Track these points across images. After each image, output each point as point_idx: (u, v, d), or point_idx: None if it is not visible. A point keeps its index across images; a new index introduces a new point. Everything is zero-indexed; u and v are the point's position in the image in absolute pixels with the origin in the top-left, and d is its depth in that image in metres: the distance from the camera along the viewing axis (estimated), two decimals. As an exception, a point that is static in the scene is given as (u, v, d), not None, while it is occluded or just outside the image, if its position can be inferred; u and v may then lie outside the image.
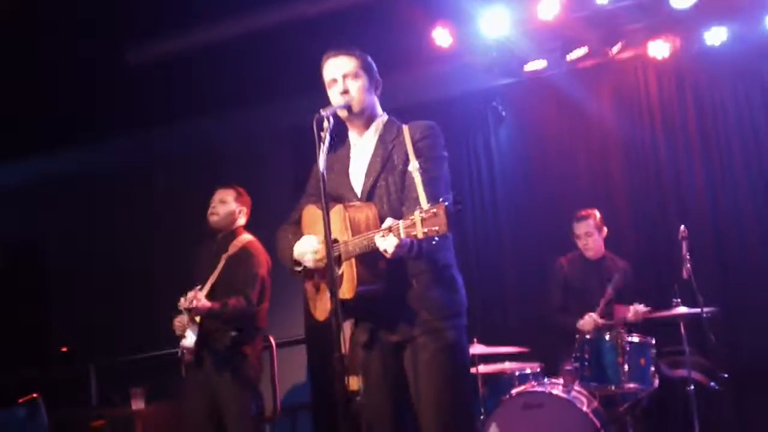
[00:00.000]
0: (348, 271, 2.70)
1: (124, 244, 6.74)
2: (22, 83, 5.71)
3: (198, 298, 4.15)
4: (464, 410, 2.84)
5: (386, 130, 2.92)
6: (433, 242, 2.45)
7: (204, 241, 4.63)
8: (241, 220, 4.55)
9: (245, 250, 4.43)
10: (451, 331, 2.80)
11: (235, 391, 4.28)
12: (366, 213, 2.75)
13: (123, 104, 6.05)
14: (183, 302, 4.21)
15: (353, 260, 2.67)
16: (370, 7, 5.27)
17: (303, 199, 3.07)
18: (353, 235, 2.67)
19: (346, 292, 2.69)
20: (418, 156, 2.69)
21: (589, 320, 4.68)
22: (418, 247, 2.58)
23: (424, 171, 2.58)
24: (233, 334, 4.31)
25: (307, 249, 2.82)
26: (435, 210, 2.36)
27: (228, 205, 4.49)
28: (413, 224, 2.40)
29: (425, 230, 2.37)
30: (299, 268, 2.89)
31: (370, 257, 2.65)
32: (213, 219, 4.50)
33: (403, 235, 2.44)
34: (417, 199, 2.51)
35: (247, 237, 4.52)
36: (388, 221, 2.50)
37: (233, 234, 4.51)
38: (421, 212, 2.39)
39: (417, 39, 5.54)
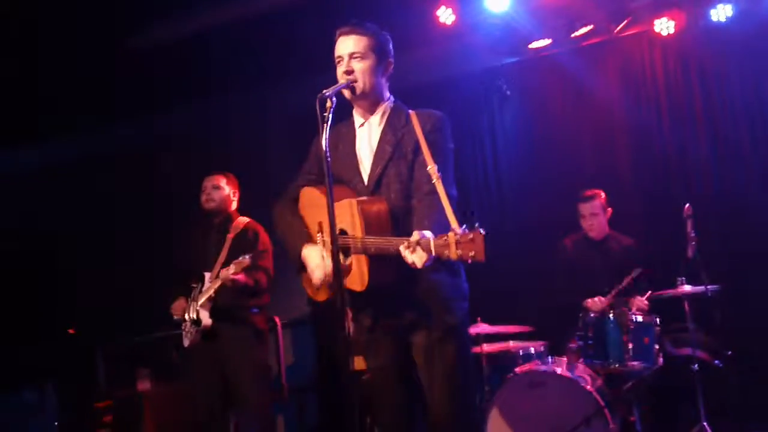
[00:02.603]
0: (358, 266, 2.69)
1: (127, 226, 6.75)
2: (21, 71, 5.69)
3: (237, 270, 4.27)
4: (469, 392, 2.89)
5: (394, 116, 2.89)
6: (468, 263, 2.42)
7: (198, 225, 4.73)
8: (234, 203, 4.72)
9: (249, 229, 4.60)
10: (456, 315, 2.83)
11: (252, 365, 4.43)
12: (378, 207, 2.74)
13: (122, 90, 6.03)
14: (220, 274, 4.32)
15: (364, 256, 2.67)
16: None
17: (301, 177, 3.04)
18: (364, 230, 2.66)
19: (356, 285, 2.70)
20: (430, 147, 2.70)
21: (598, 302, 4.69)
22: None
23: (442, 177, 2.59)
24: (253, 310, 4.49)
25: (315, 264, 2.79)
26: (471, 236, 2.35)
27: (222, 190, 4.65)
28: (446, 245, 2.38)
29: (460, 253, 2.36)
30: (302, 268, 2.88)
31: (382, 257, 2.64)
32: (210, 205, 4.64)
33: (434, 253, 2.42)
34: (428, 184, 2.50)
35: (244, 219, 4.67)
36: (416, 235, 2.47)
37: (231, 217, 4.66)
38: (456, 236, 2.37)
39: (421, 18, 5.51)
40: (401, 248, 2.50)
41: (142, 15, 5.48)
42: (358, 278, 2.70)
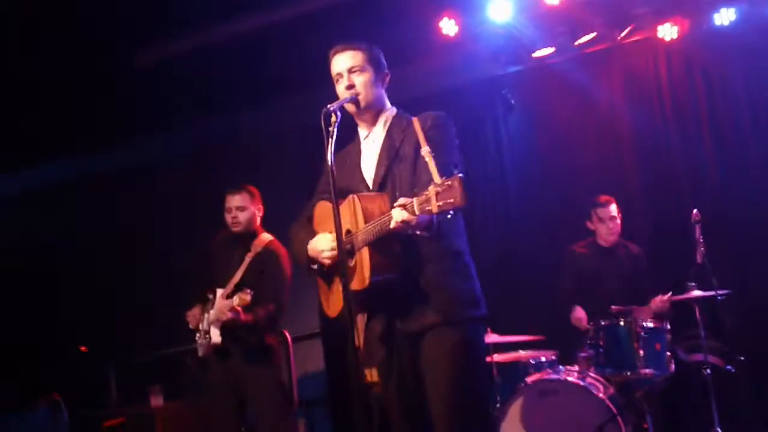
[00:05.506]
0: (361, 262, 2.68)
1: (140, 242, 6.78)
2: (24, 89, 5.72)
3: (233, 311, 4.19)
4: (480, 401, 2.85)
5: (395, 123, 2.92)
6: (449, 216, 2.40)
7: (218, 238, 4.64)
8: (258, 220, 4.56)
9: (270, 252, 4.44)
10: (468, 322, 2.79)
11: (266, 381, 4.36)
12: (378, 202, 2.73)
13: (127, 106, 6.05)
14: (217, 311, 4.28)
15: (366, 250, 2.65)
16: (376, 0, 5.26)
17: (314, 197, 3.07)
18: (365, 222, 2.66)
19: (359, 282, 2.68)
20: (429, 142, 2.66)
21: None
22: (437, 224, 2.55)
23: (436, 155, 2.55)
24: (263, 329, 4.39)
25: (324, 247, 2.81)
26: (449, 182, 2.33)
27: (248, 210, 4.47)
28: (427, 199, 2.37)
29: (440, 203, 2.34)
30: (315, 266, 2.90)
31: (383, 246, 2.63)
32: (237, 228, 4.47)
33: (417, 212, 2.41)
34: (429, 180, 2.45)
35: (267, 236, 4.52)
36: (402, 200, 2.48)
37: (254, 234, 4.51)
38: (435, 186, 2.36)
39: (424, 29, 5.54)
40: (393, 211, 2.48)
41: (146, 31, 5.52)
42: (361, 274, 2.67)
